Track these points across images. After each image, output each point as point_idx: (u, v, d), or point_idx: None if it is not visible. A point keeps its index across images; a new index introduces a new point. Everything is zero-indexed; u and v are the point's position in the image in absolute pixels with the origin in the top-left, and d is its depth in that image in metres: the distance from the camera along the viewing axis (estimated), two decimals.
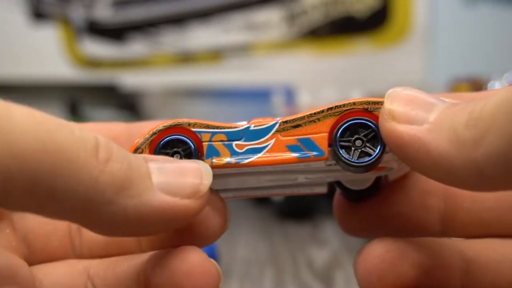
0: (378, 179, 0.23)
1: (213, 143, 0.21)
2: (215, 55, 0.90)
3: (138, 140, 0.21)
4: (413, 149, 0.18)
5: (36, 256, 0.23)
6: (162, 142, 0.20)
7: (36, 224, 0.23)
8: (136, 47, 0.92)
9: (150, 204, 0.18)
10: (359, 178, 0.22)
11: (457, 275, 0.21)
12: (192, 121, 0.21)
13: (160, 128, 0.21)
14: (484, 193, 0.22)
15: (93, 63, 0.93)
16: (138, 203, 0.18)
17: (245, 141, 0.21)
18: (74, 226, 0.23)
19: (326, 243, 0.58)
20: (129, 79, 0.92)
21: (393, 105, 0.19)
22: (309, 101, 0.76)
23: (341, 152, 0.20)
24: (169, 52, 0.91)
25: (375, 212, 0.23)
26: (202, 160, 0.21)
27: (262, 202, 0.68)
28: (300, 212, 0.65)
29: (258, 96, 0.87)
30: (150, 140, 0.20)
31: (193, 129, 0.21)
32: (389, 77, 0.85)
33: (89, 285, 0.22)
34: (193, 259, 0.19)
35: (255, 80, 0.89)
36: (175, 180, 0.19)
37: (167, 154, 0.20)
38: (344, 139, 0.20)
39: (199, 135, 0.21)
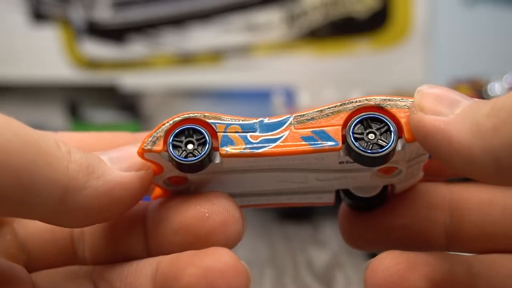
0: (385, 189, 0.23)
1: (228, 133, 0.21)
2: (215, 56, 0.90)
3: (153, 130, 0.21)
4: (437, 139, 0.18)
5: (35, 263, 0.23)
6: (176, 132, 0.21)
7: (36, 232, 0.23)
8: (136, 48, 0.92)
9: (115, 180, 0.20)
10: (367, 184, 0.23)
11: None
12: (207, 113, 0.21)
13: (176, 120, 0.21)
14: (490, 207, 0.22)
15: (93, 64, 0.93)
16: (105, 182, 0.19)
17: (259, 132, 0.21)
18: (77, 234, 0.23)
19: (326, 244, 0.58)
20: (129, 80, 0.92)
21: (422, 100, 0.19)
22: (309, 102, 0.76)
23: (355, 143, 0.20)
24: (169, 53, 0.91)
25: (380, 224, 0.23)
26: (216, 153, 0.21)
27: None
28: (300, 213, 0.65)
29: (258, 97, 0.87)
30: (165, 130, 0.21)
31: (208, 120, 0.21)
32: (389, 78, 0.85)
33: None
34: (227, 259, 0.20)
35: (255, 81, 0.89)
36: (126, 161, 0.21)
37: (180, 143, 0.21)
38: (357, 131, 0.20)
39: (213, 126, 0.21)
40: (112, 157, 0.21)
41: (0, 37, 0.94)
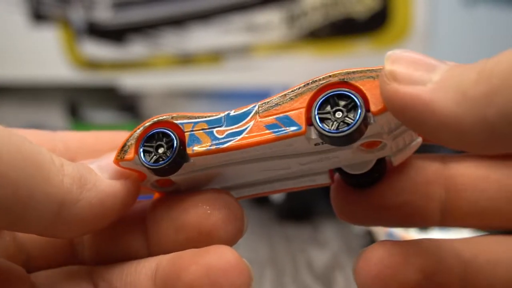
0: (380, 163, 0.22)
1: (194, 132, 0.21)
2: (215, 56, 0.90)
3: (125, 139, 0.21)
4: (417, 111, 0.17)
5: (35, 263, 0.23)
6: (145, 137, 0.21)
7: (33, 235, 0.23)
8: (136, 48, 0.92)
9: (106, 190, 0.20)
10: (356, 161, 0.22)
11: (456, 278, 0.21)
12: (174, 114, 0.21)
13: (146, 125, 0.21)
14: (485, 184, 0.22)
15: (93, 65, 0.93)
16: (97, 192, 0.20)
17: (226, 126, 0.21)
18: None
19: (326, 244, 0.58)
20: (129, 81, 0.92)
21: (394, 66, 0.18)
22: None
23: (320, 125, 0.19)
24: (169, 54, 0.91)
25: (375, 200, 0.23)
26: (185, 150, 0.21)
27: (262, 203, 0.68)
28: (300, 213, 0.65)
29: (258, 97, 0.87)
30: (135, 137, 0.21)
31: (176, 121, 0.21)
32: None
33: None
34: (229, 256, 0.20)
35: (255, 81, 0.89)
36: (114, 170, 0.21)
37: (151, 148, 0.21)
38: (323, 111, 0.19)
39: (181, 126, 0.21)
40: (101, 165, 0.21)
41: (0, 37, 0.94)
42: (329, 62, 0.87)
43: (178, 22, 0.90)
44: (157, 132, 0.21)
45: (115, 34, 0.92)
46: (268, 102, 0.20)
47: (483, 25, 0.85)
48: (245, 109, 0.21)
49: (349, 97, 0.19)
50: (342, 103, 0.19)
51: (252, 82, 0.89)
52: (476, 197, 0.22)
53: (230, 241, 0.21)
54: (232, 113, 0.21)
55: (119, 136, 0.25)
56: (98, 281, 0.22)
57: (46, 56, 0.93)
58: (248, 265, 0.20)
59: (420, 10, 0.85)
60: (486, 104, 0.15)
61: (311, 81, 0.20)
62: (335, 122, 0.19)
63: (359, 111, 0.19)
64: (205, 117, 0.21)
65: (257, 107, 0.20)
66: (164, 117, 0.21)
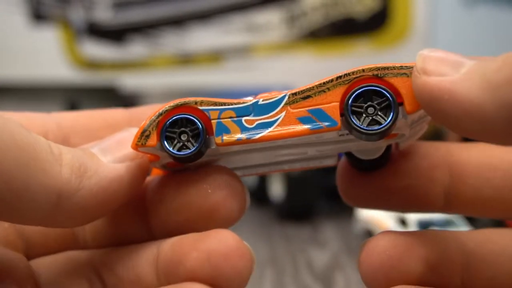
0: (388, 147, 0.22)
1: (222, 120, 0.20)
2: (215, 56, 0.90)
3: (145, 122, 0.20)
4: (444, 101, 0.17)
5: (34, 250, 0.22)
6: (168, 122, 0.20)
7: None
8: (136, 48, 0.92)
9: (109, 176, 0.19)
10: (370, 147, 0.22)
11: (459, 270, 0.21)
12: (199, 99, 0.20)
13: (167, 108, 0.20)
14: (489, 171, 0.22)
15: (93, 65, 0.93)
16: (99, 180, 0.19)
17: (254, 116, 0.20)
18: None
19: (326, 244, 0.58)
20: (129, 81, 0.92)
21: (425, 63, 0.18)
22: None
23: (353, 119, 0.19)
24: (169, 54, 0.91)
25: (380, 183, 0.23)
26: (212, 138, 0.20)
27: (262, 203, 0.68)
28: (300, 213, 0.65)
29: None
30: (157, 121, 0.20)
31: (201, 107, 0.20)
32: None
33: (93, 276, 0.21)
34: (230, 241, 0.19)
35: (255, 82, 0.89)
36: (118, 151, 0.20)
37: (174, 134, 0.20)
38: (357, 104, 0.19)
39: (207, 113, 0.20)
40: (104, 147, 0.20)
41: (0, 37, 0.94)
42: (329, 62, 0.87)
43: (178, 22, 0.90)
44: (181, 118, 0.20)
45: (115, 34, 0.92)
46: (299, 92, 0.20)
47: (483, 25, 0.85)
48: (274, 99, 0.20)
49: (382, 94, 0.19)
50: (376, 99, 0.19)
51: (252, 82, 0.89)
52: (480, 185, 0.22)
53: (232, 221, 0.21)
54: (260, 101, 0.20)
55: (112, 114, 0.25)
56: (99, 267, 0.21)
57: (46, 56, 0.93)
58: (249, 248, 0.20)
59: (420, 10, 0.85)
60: (508, 89, 0.15)
61: (343, 74, 0.20)
62: (366, 118, 0.19)
63: (392, 111, 0.19)
64: (231, 104, 0.20)
65: (287, 97, 0.20)
66: (187, 101, 0.20)
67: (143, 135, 0.20)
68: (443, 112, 0.17)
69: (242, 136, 0.20)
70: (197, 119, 0.20)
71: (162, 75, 0.91)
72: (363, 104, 0.19)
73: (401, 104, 0.19)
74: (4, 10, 0.93)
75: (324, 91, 0.20)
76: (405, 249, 0.20)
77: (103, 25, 0.92)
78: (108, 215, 0.22)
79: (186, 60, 0.91)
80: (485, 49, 0.84)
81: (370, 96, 0.19)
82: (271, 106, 0.20)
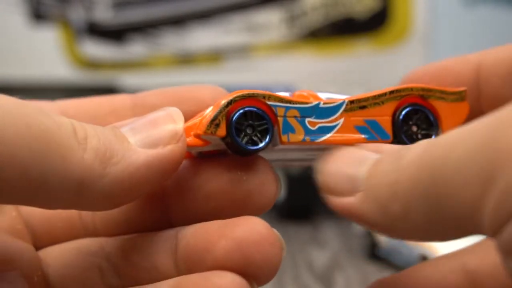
0: None
1: (287, 118, 0.20)
2: (215, 56, 0.90)
3: (214, 109, 0.20)
4: (354, 219, 0.18)
5: (42, 238, 0.22)
6: (238, 114, 0.20)
7: (37, 209, 0.22)
8: (136, 48, 0.92)
9: (137, 162, 0.18)
10: None
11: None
12: (266, 93, 0.20)
13: (235, 98, 0.20)
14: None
15: (93, 65, 0.93)
16: (126, 166, 0.18)
17: (316, 118, 0.21)
18: None
19: (326, 244, 0.58)
20: (129, 81, 0.92)
21: (325, 181, 0.19)
22: None
23: (405, 140, 0.21)
24: (169, 53, 0.91)
25: None
26: (276, 137, 0.20)
27: None
28: (300, 213, 0.65)
29: None
30: (226, 110, 0.20)
31: (269, 102, 0.20)
32: (389, 78, 0.85)
33: (103, 264, 0.21)
34: (260, 228, 0.19)
35: (255, 82, 0.89)
36: (150, 133, 0.19)
37: (242, 125, 0.20)
38: (407, 128, 0.21)
39: (274, 109, 0.20)
40: (135, 126, 0.19)
41: (0, 37, 0.94)
42: (329, 62, 0.87)
43: (178, 22, 0.90)
44: (250, 111, 0.20)
45: (115, 34, 0.92)
46: (355, 101, 0.21)
47: (483, 25, 0.85)
48: (334, 104, 0.21)
49: (424, 113, 0.21)
50: (416, 116, 0.21)
51: (252, 82, 0.89)
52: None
53: (263, 210, 0.21)
54: (321, 105, 0.21)
55: (116, 100, 0.24)
56: (112, 255, 0.21)
57: (46, 56, 0.93)
58: (279, 235, 0.19)
59: (420, 10, 0.85)
60: (404, 222, 0.17)
61: (395, 89, 0.21)
62: (412, 135, 0.21)
63: (435, 131, 0.21)
64: (295, 103, 0.21)
65: (345, 104, 0.21)
66: (256, 93, 0.20)
67: (213, 123, 0.19)
68: (358, 223, 0.19)
69: (307, 137, 0.20)
70: (266, 114, 0.20)
71: (162, 74, 0.91)
72: (410, 123, 0.21)
73: (438, 126, 0.21)
74: (4, 10, 0.93)
75: (379, 104, 0.21)
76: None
77: (103, 25, 0.92)
78: None
79: (186, 60, 0.91)
80: (485, 49, 0.84)
81: (411, 116, 0.21)
82: (331, 111, 0.21)
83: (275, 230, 0.19)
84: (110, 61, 0.93)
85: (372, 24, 0.86)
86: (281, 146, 0.21)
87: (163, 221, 0.21)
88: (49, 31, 0.93)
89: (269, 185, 0.20)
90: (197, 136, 0.20)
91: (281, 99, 0.20)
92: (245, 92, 0.20)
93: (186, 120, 0.21)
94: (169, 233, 0.20)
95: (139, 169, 0.18)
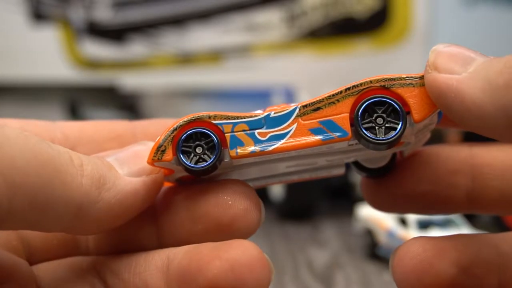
0: (394, 155, 0.23)
1: (235, 133, 0.21)
2: (215, 56, 0.90)
3: (160, 138, 0.21)
4: (450, 97, 0.18)
5: (37, 255, 0.22)
6: (183, 137, 0.20)
7: None
8: (136, 48, 0.92)
9: (126, 189, 0.20)
10: (377, 156, 0.23)
11: (494, 271, 0.21)
12: (212, 113, 0.21)
13: (181, 123, 0.21)
14: None
15: (93, 64, 0.93)
16: (117, 192, 0.19)
17: (267, 128, 0.21)
18: None
19: (326, 244, 0.58)
20: (129, 80, 0.92)
21: (437, 59, 0.19)
22: None
23: (365, 132, 0.20)
24: (169, 53, 0.91)
25: (402, 190, 0.23)
26: (226, 151, 0.21)
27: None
28: (300, 213, 0.65)
29: (258, 97, 0.87)
30: (172, 136, 0.20)
31: (214, 121, 0.21)
32: None
33: (96, 281, 0.21)
34: (252, 251, 0.19)
35: (255, 81, 0.89)
36: (134, 164, 0.21)
37: (189, 148, 0.20)
38: (366, 119, 0.20)
39: (220, 127, 0.21)
40: (119, 157, 0.21)
41: (0, 37, 0.94)
42: (329, 62, 0.87)
43: (178, 21, 0.90)
44: (195, 132, 0.20)
45: (115, 34, 0.92)
46: (309, 104, 0.21)
47: (483, 24, 0.85)
48: (286, 111, 0.21)
49: (389, 103, 0.20)
50: (381, 109, 0.20)
51: (252, 82, 0.89)
52: (505, 186, 0.23)
53: (248, 233, 0.21)
54: (272, 114, 0.21)
55: (117, 126, 0.25)
56: (103, 272, 0.21)
57: (46, 55, 0.93)
58: (269, 259, 0.20)
59: (420, 10, 0.85)
60: (505, 93, 0.16)
61: (352, 85, 0.20)
62: (377, 128, 0.20)
63: (401, 120, 0.20)
64: (244, 117, 0.21)
65: (297, 109, 0.21)
66: (201, 115, 0.21)
67: (159, 150, 0.20)
68: (449, 107, 0.18)
69: (256, 148, 0.20)
70: (211, 132, 0.20)
71: (162, 74, 0.91)
72: (371, 117, 0.20)
73: (408, 113, 0.20)
74: (4, 10, 0.93)
75: (334, 103, 0.20)
76: (436, 253, 0.20)
77: (103, 24, 0.92)
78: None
79: (186, 59, 0.91)
80: (485, 49, 0.84)
81: (374, 108, 0.20)
82: (282, 119, 0.21)
83: (265, 254, 0.20)
84: (110, 60, 0.93)
85: (372, 24, 0.86)
86: (240, 161, 0.21)
87: (153, 241, 0.22)
88: (49, 31, 0.93)
89: (253, 211, 0.21)
90: (150, 164, 0.21)
91: (227, 117, 0.21)
92: (190, 116, 0.21)
93: None
94: (160, 253, 0.21)
95: (128, 195, 0.20)
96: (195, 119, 0.21)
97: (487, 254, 0.21)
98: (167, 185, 0.23)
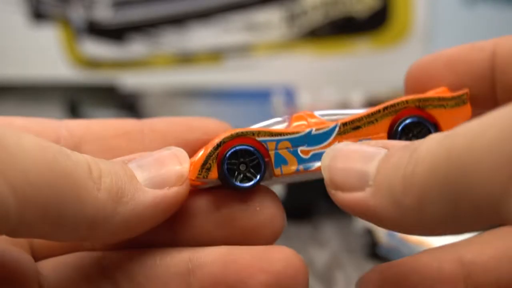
0: None
1: (279, 151, 0.21)
2: (215, 55, 0.90)
3: (203, 154, 0.20)
4: (363, 214, 0.18)
5: (41, 250, 0.22)
6: (228, 154, 0.20)
7: None
8: (136, 47, 0.92)
9: (145, 203, 0.19)
10: None
11: (460, 281, 0.21)
12: (255, 130, 0.21)
13: (224, 139, 0.20)
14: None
15: (93, 64, 0.93)
16: (135, 206, 0.19)
17: (308, 146, 0.21)
18: None
19: (326, 243, 0.58)
20: (129, 80, 0.92)
21: (332, 177, 0.19)
22: (309, 102, 0.76)
23: None
24: (169, 53, 0.91)
25: None
26: (271, 170, 0.20)
27: None
28: (300, 212, 0.65)
29: (258, 97, 0.87)
30: (216, 153, 0.20)
31: (258, 139, 0.21)
32: (389, 77, 0.85)
33: (103, 281, 0.21)
34: (296, 262, 0.19)
35: (255, 81, 0.89)
36: (158, 173, 0.20)
37: (233, 166, 0.20)
38: (402, 139, 0.21)
39: (264, 144, 0.21)
40: (142, 164, 0.20)
41: (0, 36, 0.94)
42: (329, 61, 0.87)
43: (178, 21, 0.90)
44: (240, 150, 0.20)
45: (115, 33, 0.92)
46: (348, 123, 0.21)
47: (483, 24, 0.85)
48: (327, 129, 0.21)
49: (423, 124, 0.21)
50: (416, 129, 0.21)
51: (252, 81, 0.89)
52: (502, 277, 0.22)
53: (272, 240, 0.21)
54: (313, 131, 0.21)
55: (125, 124, 0.24)
56: (114, 272, 0.21)
57: (46, 55, 0.93)
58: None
59: (420, 10, 0.85)
60: (418, 216, 0.16)
61: (389, 105, 0.21)
62: None
63: None
64: (286, 134, 0.21)
65: (338, 127, 0.21)
66: (244, 132, 0.21)
67: (204, 167, 0.20)
68: (368, 220, 0.18)
69: (300, 167, 0.21)
70: (257, 151, 0.20)
71: (162, 74, 0.91)
72: (407, 136, 0.21)
73: None
74: (4, 9, 0.93)
75: (373, 122, 0.21)
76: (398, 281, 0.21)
77: (103, 24, 0.92)
78: None
79: (186, 59, 0.91)
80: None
81: (411, 128, 0.21)
82: (324, 137, 0.21)
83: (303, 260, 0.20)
84: (110, 60, 0.93)
85: (372, 23, 0.86)
86: (278, 178, 0.21)
87: (166, 238, 0.22)
88: (49, 30, 0.93)
89: (278, 218, 0.21)
90: (191, 181, 0.20)
91: (271, 133, 0.21)
92: (233, 132, 0.20)
93: (194, 149, 0.21)
94: (179, 255, 0.21)
95: (147, 209, 0.19)
96: (238, 135, 0.20)
97: (451, 267, 0.21)
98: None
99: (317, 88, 0.79)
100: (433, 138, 0.16)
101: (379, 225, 0.18)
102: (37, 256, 0.22)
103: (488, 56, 0.23)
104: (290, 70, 0.88)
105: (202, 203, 0.21)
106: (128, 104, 0.92)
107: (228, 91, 0.91)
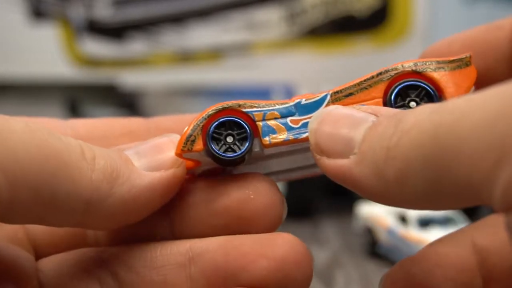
0: None
1: (267, 121, 0.20)
2: (215, 54, 0.90)
3: (188, 128, 0.20)
4: (349, 185, 0.18)
5: (43, 248, 0.22)
6: (214, 124, 0.20)
7: None
8: (136, 46, 0.92)
9: (142, 184, 0.19)
10: None
11: (475, 268, 0.20)
12: (241, 101, 0.20)
13: (210, 112, 0.20)
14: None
15: (92, 62, 0.93)
16: (131, 187, 0.18)
17: (299, 115, 0.20)
18: None
19: (326, 242, 0.58)
20: (129, 78, 0.92)
21: (318, 141, 0.18)
22: None
23: None
24: (169, 51, 0.91)
25: None
26: (257, 140, 0.20)
27: None
28: (300, 211, 0.65)
29: (258, 95, 0.87)
30: (201, 125, 0.20)
31: (244, 110, 0.20)
32: None
33: (105, 275, 0.21)
34: (299, 247, 0.19)
35: (255, 79, 0.89)
36: (154, 157, 0.20)
37: (220, 136, 0.20)
38: (399, 102, 0.20)
39: (251, 115, 0.20)
40: (139, 150, 0.20)
41: (0, 35, 0.94)
42: (329, 60, 0.87)
43: (178, 19, 0.90)
44: (227, 121, 0.20)
45: (114, 32, 0.92)
46: (340, 91, 0.20)
47: (483, 23, 0.84)
48: (316, 98, 0.21)
49: (422, 87, 0.20)
50: (413, 93, 0.20)
51: (252, 80, 0.89)
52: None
53: (270, 229, 0.21)
54: (303, 101, 0.20)
55: (130, 123, 0.24)
56: (115, 265, 0.21)
57: (46, 53, 0.93)
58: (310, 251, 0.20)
59: (420, 9, 0.85)
60: (400, 188, 0.16)
61: (383, 70, 0.20)
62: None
63: (434, 100, 0.19)
64: (274, 105, 0.20)
65: (329, 96, 0.20)
66: (230, 104, 0.20)
67: (188, 140, 0.20)
68: (350, 188, 0.18)
69: (289, 135, 0.20)
70: (243, 121, 0.20)
71: (162, 72, 0.91)
72: (404, 101, 0.20)
73: (441, 98, 0.20)
74: (4, 8, 0.93)
75: (366, 88, 0.20)
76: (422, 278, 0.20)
77: (102, 22, 0.92)
78: None
79: (186, 57, 0.91)
80: None
81: (407, 92, 0.20)
82: (314, 105, 0.20)
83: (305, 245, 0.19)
84: (110, 59, 0.93)
85: (372, 22, 0.86)
86: (269, 151, 0.21)
87: (166, 231, 0.21)
88: (49, 29, 0.93)
89: (275, 207, 0.21)
90: (178, 155, 0.20)
91: (258, 104, 0.20)
92: (219, 105, 0.20)
93: None
94: (179, 245, 0.20)
95: (143, 191, 0.19)
96: (224, 108, 0.20)
97: (464, 252, 0.21)
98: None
99: (317, 87, 0.79)
100: (422, 111, 0.16)
101: (362, 195, 0.18)
102: (40, 255, 0.22)
103: (507, 34, 0.22)
104: (290, 69, 0.88)
105: (198, 194, 0.21)
106: (127, 103, 0.92)
107: (228, 90, 0.91)
